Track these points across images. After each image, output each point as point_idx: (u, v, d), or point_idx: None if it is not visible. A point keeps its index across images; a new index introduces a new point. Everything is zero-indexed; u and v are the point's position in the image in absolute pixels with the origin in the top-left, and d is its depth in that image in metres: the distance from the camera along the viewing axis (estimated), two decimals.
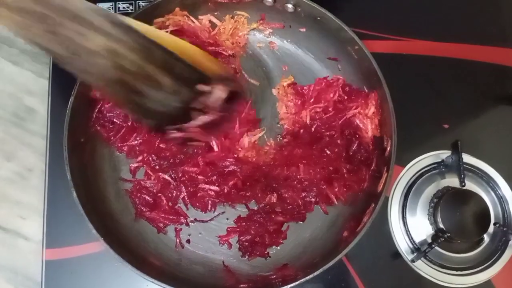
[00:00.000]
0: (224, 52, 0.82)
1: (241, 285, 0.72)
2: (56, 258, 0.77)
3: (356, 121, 0.79)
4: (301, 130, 0.81)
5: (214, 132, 0.69)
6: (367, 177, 0.77)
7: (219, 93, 0.63)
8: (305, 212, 0.77)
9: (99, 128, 0.77)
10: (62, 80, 0.84)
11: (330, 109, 0.80)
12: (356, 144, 0.78)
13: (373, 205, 0.70)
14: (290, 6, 0.78)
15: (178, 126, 0.64)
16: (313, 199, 0.77)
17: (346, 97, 0.80)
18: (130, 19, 0.60)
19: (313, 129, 0.80)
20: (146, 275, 0.66)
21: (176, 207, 0.78)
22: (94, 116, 0.77)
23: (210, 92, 0.63)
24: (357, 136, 0.78)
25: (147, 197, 0.78)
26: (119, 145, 0.79)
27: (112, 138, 0.78)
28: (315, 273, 0.67)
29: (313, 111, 0.80)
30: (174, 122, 0.64)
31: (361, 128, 0.78)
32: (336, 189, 0.76)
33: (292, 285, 0.67)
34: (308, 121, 0.80)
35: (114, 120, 0.77)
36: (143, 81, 0.59)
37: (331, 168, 0.77)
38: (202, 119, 0.64)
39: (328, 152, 0.78)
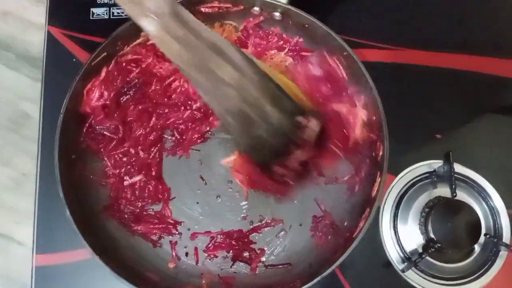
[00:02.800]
0: None
1: None
2: (47, 264, 0.77)
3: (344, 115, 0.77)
4: None
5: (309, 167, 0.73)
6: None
7: (314, 126, 0.67)
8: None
9: (89, 141, 0.77)
10: (55, 86, 0.84)
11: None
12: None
13: (368, 210, 0.71)
14: (277, 14, 0.78)
15: (281, 161, 0.68)
16: None
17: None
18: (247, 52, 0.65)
19: None
20: None
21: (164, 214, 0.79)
22: (84, 130, 0.76)
23: (307, 125, 0.67)
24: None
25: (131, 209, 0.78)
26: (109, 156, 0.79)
27: (102, 150, 0.78)
28: (314, 281, 0.67)
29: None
30: (276, 156, 0.68)
31: (349, 122, 0.77)
32: None
33: None
34: None
35: (104, 133, 0.77)
36: (257, 112, 0.63)
37: None
38: (301, 154, 0.68)
39: None
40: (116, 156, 0.78)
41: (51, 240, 0.78)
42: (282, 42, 0.82)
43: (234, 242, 0.78)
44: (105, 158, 0.78)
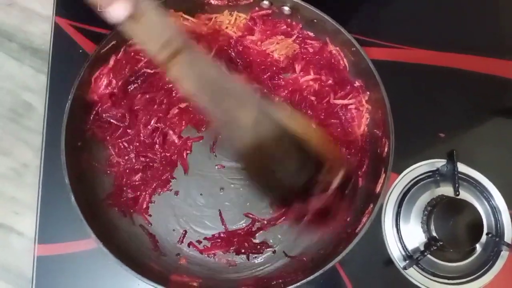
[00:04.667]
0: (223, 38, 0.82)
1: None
2: (48, 254, 0.76)
3: (351, 112, 0.80)
4: None
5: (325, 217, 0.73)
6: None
7: (335, 182, 0.67)
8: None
9: (95, 129, 0.77)
10: (60, 77, 0.83)
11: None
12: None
13: (372, 205, 0.71)
14: (286, 8, 0.79)
15: (297, 204, 0.69)
16: None
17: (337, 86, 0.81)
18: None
19: None
20: (147, 279, 0.65)
21: None
22: (91, 118, 0.76)
23: (328, 180, 0.67)
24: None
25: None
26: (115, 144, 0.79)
27: (108, 138, 0.78)
28: (316, 274, 0.67)
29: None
30: (294, 199, 0.68)
31: (354, 119, 0.79)
32: None
33: (293, 286, 0.67)
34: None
35: (111, 120, 0.77)
36: (273, 159, 0.65)
37: None
38: (315, 203, 0.68)
39: None
40: (121, 145, 0.78)
41: (53, 230, 0.77)
42: (290, 28, 0.82)
43: (235, 240, 0.78)
44: (110, 147, 0.78)
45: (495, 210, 0.81)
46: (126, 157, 0.78)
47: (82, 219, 0.66)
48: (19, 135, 0.86)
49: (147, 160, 0.78)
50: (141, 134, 0.78)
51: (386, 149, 0.73)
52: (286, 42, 0.83)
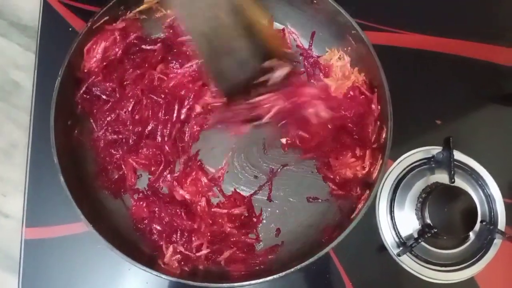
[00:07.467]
0: None
1: (234, 273, 0.72)
2: (36, 238, 0.75)
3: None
4: None
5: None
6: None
7: (280, 71, 0.66)
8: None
9: (84, 103, 0.75)
10: (49, 55, 0.82)
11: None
12: None
13: (368, 192, 0.70)
14: None
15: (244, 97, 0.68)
16: None
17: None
18: None
19: None
20: (139, 263, 0.64)
21: None
22: (81, 92, 0.74)
23: (274, 69, 0.66)
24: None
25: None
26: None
27: (95, 112, 0.76)
28: (310, 260, 0.66)
29: None
30: (240, 93, 0.67)
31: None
32: None
33: (286, 272, 0.66)
34: None
35: (100, 95, 0.75)
36: (227, 40, 0.63)
37: None
38: (254, 96, 0.68)
39: None
40: (104, 119, 0.76)
41: (41, 213, 0.76)
42: None
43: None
44: (92, 121, 0.76)
45: (489, 198, 0.80)
46: (114, 135, 0.76)
47: (71, 200, 0.64)
48: (7, 114, 0.85)
49: (135, 136, 0.76)
50: (129, 110, 0.76)
51: (384, 136, 0.72)
52: None
